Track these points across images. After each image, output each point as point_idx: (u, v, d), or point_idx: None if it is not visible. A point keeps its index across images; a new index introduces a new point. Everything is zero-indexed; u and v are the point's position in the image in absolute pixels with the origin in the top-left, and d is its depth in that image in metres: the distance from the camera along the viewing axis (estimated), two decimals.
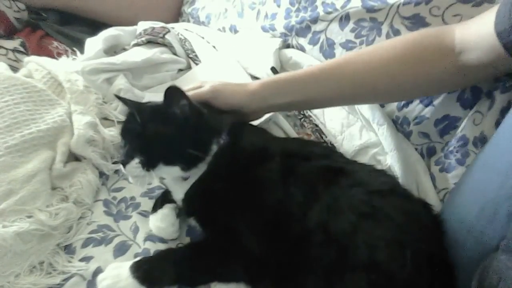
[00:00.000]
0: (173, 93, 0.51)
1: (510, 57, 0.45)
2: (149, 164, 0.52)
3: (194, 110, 0.53)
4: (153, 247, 0.56)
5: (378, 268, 0.43)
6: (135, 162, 0.51)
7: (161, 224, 0.56)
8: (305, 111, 0.77)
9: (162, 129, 0.52)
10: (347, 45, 0.76)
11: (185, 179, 0.56)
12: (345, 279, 0.43)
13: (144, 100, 0.74)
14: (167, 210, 0.58)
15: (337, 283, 0.44)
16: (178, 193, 0.57)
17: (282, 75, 0.63)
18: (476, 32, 0.50)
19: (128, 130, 0.55)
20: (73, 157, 0.66)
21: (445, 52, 0.52)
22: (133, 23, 0.93)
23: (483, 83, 0.59)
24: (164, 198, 0.60)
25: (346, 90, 0.59)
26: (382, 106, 0.73)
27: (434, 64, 0.54)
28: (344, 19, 0.75)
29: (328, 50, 0.79)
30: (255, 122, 0.67)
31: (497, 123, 0.54)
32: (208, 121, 0.55)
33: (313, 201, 0.49)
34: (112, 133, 0.70)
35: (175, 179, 0.57)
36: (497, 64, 0.49)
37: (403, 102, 0.70)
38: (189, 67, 0.86)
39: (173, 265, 0.50)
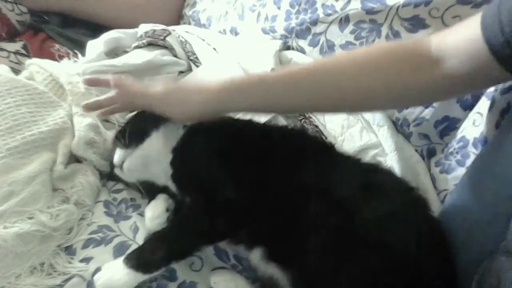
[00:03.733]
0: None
1: (496, 62, 0.41)
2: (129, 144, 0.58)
3: None
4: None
5: (388, 249, 0.44)
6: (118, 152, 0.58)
7: (149, 213, 0.57)
8: (305, 113, 0.77)
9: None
10: (347, 47, 0.76)
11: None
12: (357, 255, 0.44)
13: None
14: (158, 200, 0.58)
15: (346, 254, 0.45)
16: (165, 172, 0.59)
17: (245, 79, 0.56)
18: (455, 39, 0.45)
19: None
20: (74, 158, 0.67)
21: (422, 60, 0.48)
22: (134, 25, 0.94)
23: None
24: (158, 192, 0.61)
25: (311, 99, 0.53)
26: None
27: (410, 73, 0.48)
28: (344, 21, 0.75)
29: (328, 52, 0.79)
30: None
31: (497, 124, 0.54)
32: None
33: (305, 159, 0.51)
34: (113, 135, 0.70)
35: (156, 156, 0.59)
36: (478, 74, 0.44)
37: None
38: (189, 69, 0.87)
39: (161, 242, 0.51)
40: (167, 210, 0.57)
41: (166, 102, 0.55)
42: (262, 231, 0.51)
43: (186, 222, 0.54)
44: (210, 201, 0.53)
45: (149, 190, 0.62)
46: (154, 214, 0.57)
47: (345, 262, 0.45)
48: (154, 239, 0.53)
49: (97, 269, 0.52)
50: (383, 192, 0.49)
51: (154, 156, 0.59)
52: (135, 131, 0.59)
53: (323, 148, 0.59)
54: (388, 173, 0.55)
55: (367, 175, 0.52)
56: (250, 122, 0.64)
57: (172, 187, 0.60)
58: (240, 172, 0.53)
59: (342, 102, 0.52)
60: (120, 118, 0.74)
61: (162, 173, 0.59)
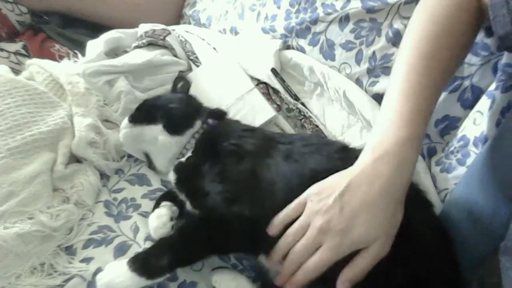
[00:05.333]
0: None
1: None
2: (135, 119, 0.63)
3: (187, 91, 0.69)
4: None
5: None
6: (127, 119, 0.63)
7: (154, 223, 0.56)
8: (305, 112, 0.77)
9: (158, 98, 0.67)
10: (347, 46, 0.76)
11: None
12: None
13: None
14: (162, 209, 0.58)
15: None
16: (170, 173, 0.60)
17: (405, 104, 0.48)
18: None
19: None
20: (74, 158, 0.67)
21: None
22: (134, 25, 0.94)
23: (483, 83, 0.59)
24: (163, 199, 0.61)
25: None
26: None
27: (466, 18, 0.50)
28: (344, 20, 0.75)
29: (328, 51, 0.79)
30: (257, 122, 0.68)
31: (498, 123, 0.54)
32: (194, 101, 0.67)
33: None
34: (114, 135, 0.70)
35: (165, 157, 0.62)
36: None
37: None
38: (189, 69, 0.86)
39: (168, 249, 0.50)
40: (172, 219, 0.57)
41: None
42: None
43: (194, 230, 0.53)
44: (220, 217, 0.51)
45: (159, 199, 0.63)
46: (158, 224, 0.56)
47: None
48: (161, 245, 0.52)
49: (98, 269, 0.52)
50: None
51: (150, 141, 0.63)
52: (143, 111, 0.64)
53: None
54: None
55: None
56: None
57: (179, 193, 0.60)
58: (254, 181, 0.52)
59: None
60: (120, 118, 0.74)
61: (160, 161, 0.62)
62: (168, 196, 0.62)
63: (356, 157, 0.48)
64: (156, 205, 0.60)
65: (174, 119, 0.62)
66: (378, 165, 0.44)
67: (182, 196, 0.59)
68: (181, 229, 0.55)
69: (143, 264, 0.49)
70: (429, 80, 0.48)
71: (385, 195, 0.43)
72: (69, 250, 0.56)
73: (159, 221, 0.56)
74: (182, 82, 0.72)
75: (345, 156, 0.53)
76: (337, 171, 0.48)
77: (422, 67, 0.48)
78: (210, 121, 0.63)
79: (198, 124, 0.62)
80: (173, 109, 0.63)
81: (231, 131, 0.60)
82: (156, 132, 0.60)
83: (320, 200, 0.45)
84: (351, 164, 0.47)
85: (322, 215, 0.44)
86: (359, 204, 0.43)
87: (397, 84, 0.48)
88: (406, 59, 0.49)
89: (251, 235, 0.50)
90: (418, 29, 0.51)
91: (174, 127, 0.61)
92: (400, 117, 0.46)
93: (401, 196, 0.44)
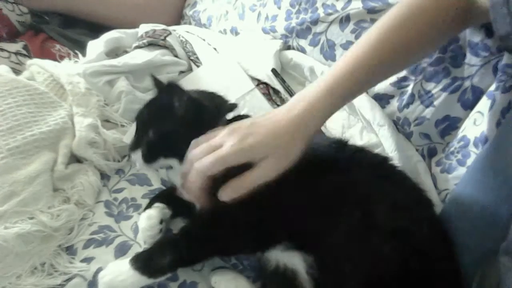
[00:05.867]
0: (173, 88, 0.56)
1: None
2: (150, 158, 0.56)
3: (194, 103, 0.56)
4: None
5: (401, 234, 0.46)
6: (139, 154, 0.56)
7: (142, 223, 0.56)
8: None
9: (162, 124, 0.56)
10: (348, 46, 0.76)
11: None
12: (370, 239, 0.46)
13: None
14: (153, 211, 0.57)
15: (361, 241, 0.47)
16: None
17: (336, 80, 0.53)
18: None
19: (141, 114, 0.59)
20: (75, 158, 0.67)
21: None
22: (135, 25, 0.94)
23: (483, 84, 0.59)
24: (157, 199, 0.60)
25: None
26: (383, 107, 0.73)
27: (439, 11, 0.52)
28: (345, 20, 0.75)
29: (328, 51, 0.79)
30: None
31: (498, 124, 0.54)
32: (207, 114, 0.57)
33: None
34: (114, 135, 0.70)
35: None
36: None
37: (403, 103, 0.70)
38: (190, 69, 0.86)
39: (171, 247, 0.50)
40: (161, 221, 0.56)
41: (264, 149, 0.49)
42: (286, 230, 0.50)
43: (198, 231, 0.52)
44: (231, 219, 0.50)
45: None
46: (146, 226, 0.55)
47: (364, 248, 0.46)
48: (164, 244, 0.52)
49: (99, 269, 0.52)
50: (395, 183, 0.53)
51: (166, 166, 0.60)
52: (155, 149, 0.57)
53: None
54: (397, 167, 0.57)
55: (380, 164, 0.55)
56: None
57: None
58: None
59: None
60: (121, 118, 0.74)
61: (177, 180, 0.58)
62: (162, 196, 0.61)
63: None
64: (149, 205, 0.59)
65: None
66: (294, 105, 0.50)
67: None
68: (185, 229, 0.54)
69: (145, 262, 0.49)
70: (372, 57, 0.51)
71: (291, 126, 0.48)
72: (70, 250, 0.56)
73: (148, 222, 0.55)
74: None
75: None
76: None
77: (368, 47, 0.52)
78: None
79: None
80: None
81: None
82: (172, 162, 0.57)
83: (234, 129, 0.50)
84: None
85: (230, 133, 0.49)
86: (264, 124, 0.49)
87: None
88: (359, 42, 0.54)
89: (259, 232, 0.50)
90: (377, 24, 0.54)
91: None
92: (324, 82, 0.51)
93: (305, 134, 0.49)
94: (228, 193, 0.48)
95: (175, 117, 0.55)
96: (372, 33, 0.53)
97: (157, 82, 0.63)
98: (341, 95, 0.51)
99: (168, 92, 0.57)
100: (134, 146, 0.57)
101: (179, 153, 0.54)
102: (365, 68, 0.51)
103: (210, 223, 0.51)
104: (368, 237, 0.46)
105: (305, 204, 0.49)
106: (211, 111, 0.57)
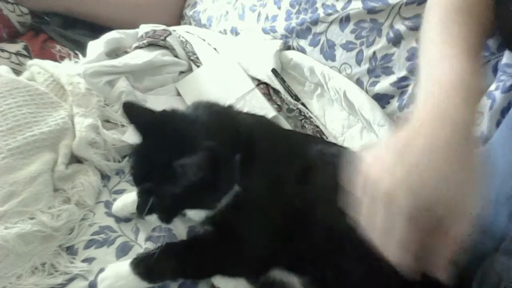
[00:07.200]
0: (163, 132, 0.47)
1: None
2: (167, 219, 0.49)
3: (209, 163, 0.43)
4: (154, 248, 0.56)
5: None
6: (155, 217, 0.49)
7: (119, 203, 0.59)
8: (306, 113, 0.77)
9: (173, 187, 0.45)
10: (348, 46, 0.76)
11: None
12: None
13: (147, 104, 0.73)
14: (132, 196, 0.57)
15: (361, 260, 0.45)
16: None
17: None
18: None
19: (139, 171, 0.49)
20: (75, 159, 0.67)
21: None
22: (135, 26, 0.94)
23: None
24: None
25: None
26: (383, 107, 0.73)
27: None
28: (345, 20, 0.75)
29: (328, 52, 0.79)
30: None
31: (498, 123, 0.54)
32: (224, 174, 0.47)
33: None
34: (114, 135, 0.70)
35: None
36: None
37: (403, 103, 0.70)
38: (190, 69, 0.87)
39: (174, 258, 0.50)
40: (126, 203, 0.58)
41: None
42: (285, 256, 0.50)
43: (205, 244, 0.51)
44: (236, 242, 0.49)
45: None
46: (121, 203, 0.59)
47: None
48: (168, 252, 0.50)
49: (101, 270, 0.52)
50: None
51: None
52: (141, 181, 0.49)
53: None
54: None
55: None
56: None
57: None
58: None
59: None
60: (121, 118, 0.74)
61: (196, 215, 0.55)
62: None
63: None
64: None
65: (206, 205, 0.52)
66: (439, 107, 0.34)
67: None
68: (192, 239, 0.54)
69: (147, 269, 0.49)
70: (467, 29, 0.40)
71: (456, 136, 0.32)
72: (71, 250, 0.56)
73: (124, 199, 0.58)
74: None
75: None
76: None
77: (456, 18, 0.42)
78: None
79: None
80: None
81: None
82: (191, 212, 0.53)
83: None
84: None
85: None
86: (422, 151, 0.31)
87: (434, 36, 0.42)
88: (437, 16, 0.44)
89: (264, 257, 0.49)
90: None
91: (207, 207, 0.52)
92: (449, 58, 0.38)
93: (472, 134, 0.34)
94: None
95: (187, 179, 0.44)
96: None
97: (129, 111, 0.49)
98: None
99: (157, 138, 0.47)
100: (147, 211, 0.47)
101: (200, 206, 0.50)
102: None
103: (218, 242, 0.50)
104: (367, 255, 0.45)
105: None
106: (230, 160, 0.47)
